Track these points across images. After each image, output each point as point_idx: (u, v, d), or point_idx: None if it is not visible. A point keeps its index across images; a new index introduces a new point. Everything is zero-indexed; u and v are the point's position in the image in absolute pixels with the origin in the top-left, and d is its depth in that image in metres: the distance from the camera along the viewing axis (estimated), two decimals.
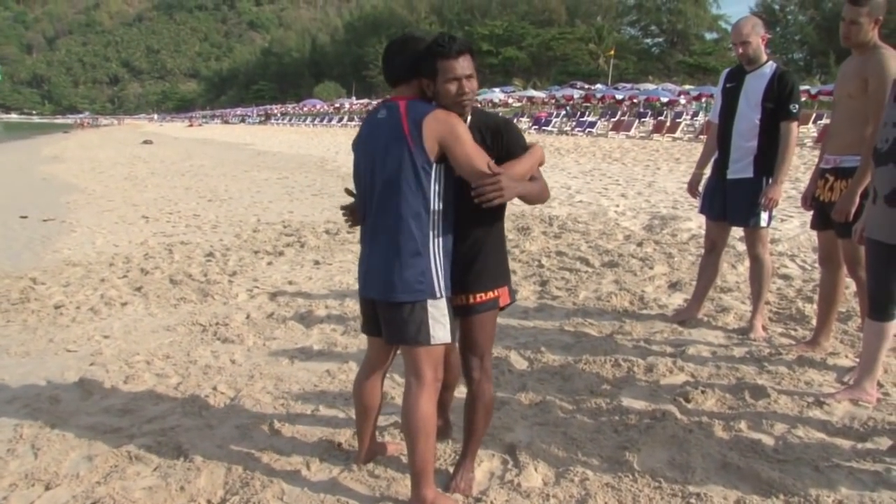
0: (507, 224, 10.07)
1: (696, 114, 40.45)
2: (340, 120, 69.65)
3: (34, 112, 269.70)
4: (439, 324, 3.00)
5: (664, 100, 43.67)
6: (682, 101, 43.64)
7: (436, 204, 2.94)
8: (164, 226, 11.44)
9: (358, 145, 3.15)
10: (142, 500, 3.26)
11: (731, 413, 4.00)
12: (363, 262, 3.14)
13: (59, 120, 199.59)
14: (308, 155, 27.58)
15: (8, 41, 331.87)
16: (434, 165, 2.90)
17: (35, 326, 6.18)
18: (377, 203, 3.01)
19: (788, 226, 9.51)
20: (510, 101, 59.34)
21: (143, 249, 9.45)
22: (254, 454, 3.65)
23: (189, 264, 8.36)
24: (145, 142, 43.81)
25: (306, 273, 7.71)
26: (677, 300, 6.27)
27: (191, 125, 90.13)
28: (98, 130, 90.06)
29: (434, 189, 2.92)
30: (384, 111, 3.01)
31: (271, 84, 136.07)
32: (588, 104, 48.65)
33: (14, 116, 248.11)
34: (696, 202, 5.88)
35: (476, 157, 2.87)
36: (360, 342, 5.37)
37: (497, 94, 61.73)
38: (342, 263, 8.08)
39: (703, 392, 4.20)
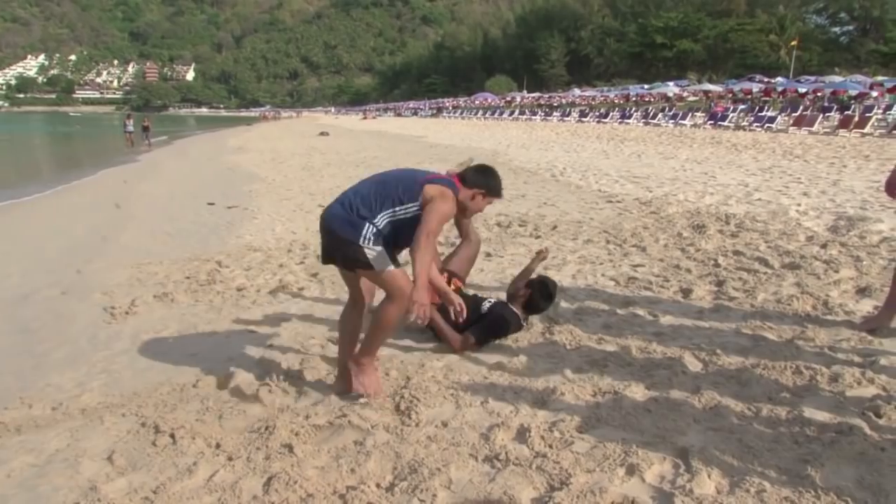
0: (682, 221, 9.78)
1: (889, 107, 37.75)
2: (512, 113, 69.87)
3: (221, 106, 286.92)
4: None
5: (853, 93, 41.04)
6: (874, 93, 40.83)
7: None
8: None
9: None
10: (314, 479, 3.37)
11: None
12: None
13: (244, 113, 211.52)
14: (480, 148, 27.81)
15: (202, 41, 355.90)
16: None
17: (220, 307, 6.56)
18: None
19: None
20: (685, 94, 57.59)
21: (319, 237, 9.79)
22: (422, 441, 3.71)
23: None
24: (322, 133, 45.58)
25: (478, 265, 7.72)
26: (866, 307, 5.86)
27: (365, 118, 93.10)
28: (278, 123, 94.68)
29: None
30: None
31: (443, 78, 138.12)
32: (767, 98, 46.50)
33: (204, 111, 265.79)
34: (892, 203, 5.48)
35: None
36: (530, 336, 5.35)
37: (671, 88, 60.15)
38: (513, 256, 8.07)
39: None
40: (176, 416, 4.14)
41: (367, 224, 4.10)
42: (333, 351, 5.16)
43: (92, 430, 4.06)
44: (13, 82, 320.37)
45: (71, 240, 10.91)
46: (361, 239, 4.08)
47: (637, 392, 4.24)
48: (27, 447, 3.90)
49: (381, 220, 4.12)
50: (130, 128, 38.10)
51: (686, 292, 6.41)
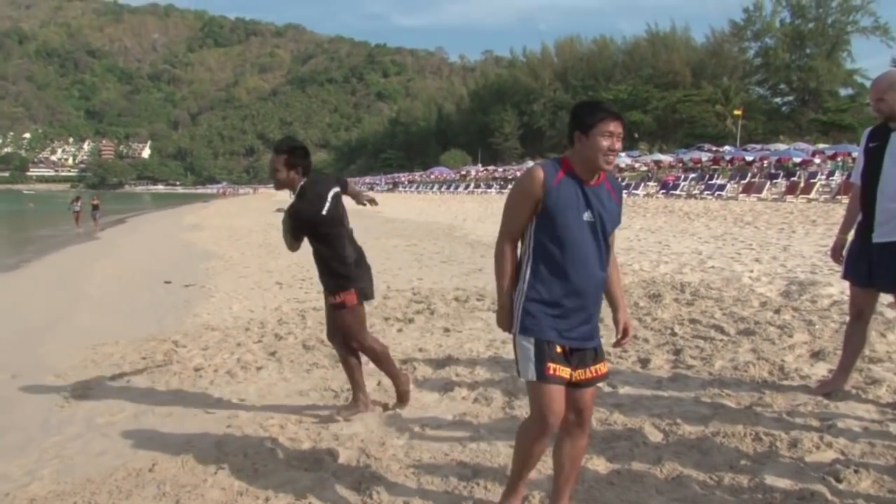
0: (638, 291, 9.87)
1: (831, 173, 38.95)
2: (467, 187, 70.62)
3: (178, 183, 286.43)
4: (522, 360, 3.28)
5: (797, 160, 42.33)
6: (817, 160, 42.15)
7: (527, 250, 3.32)
8: (297, 292, 11.76)
9: None
10: None
11: (890, 497, 3.70)
12: None
13: (201, 190, 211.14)
14: (436, 222, 28.01)
15: (158, 119, 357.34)
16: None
17: (177, 388, 6.44)
18: None
19: None
20: (636, 165, 58.76)
21: (277, 315, 9.73)
22: None
23: (321, 330, 8.48)
24: (278, 210, 44.99)
25: (436, 340, 7.74)
26: (821, 371, 5.94)
27: None
28: (236, 199, 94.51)
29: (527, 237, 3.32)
30: None
31: (399, 152, 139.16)
32: (717, 166, 47.68)
33: (160, 188, 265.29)
34: (839, 267, 5.62)
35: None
36: (491, 411, 5.33)
37: (623, 159, 61.21)
38: (472, 331, 8.07)
39: (856, 472, 3.91)
40: (131, 502, 4.04)
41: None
42: (292, 431, 5.09)
43: None
44: None
45: (23, 321, 10.69)
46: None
47: (599, 465, 4.23)
48: None
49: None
50: (78, 207, 38.26)
51: (644, 362, 6.45)
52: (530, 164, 74.61)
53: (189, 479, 4.35)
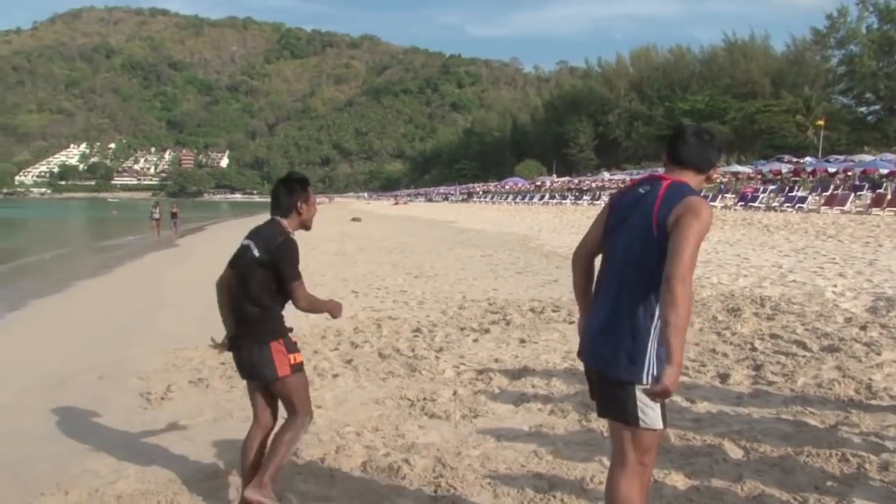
0: (716, 304, 9.69)
1: None
2: (542, 198, 70.40)
3: (255, 192, 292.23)
4: (646, 408, 2.87)
5: (884, 171, 40.93)
6: None
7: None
8: (372, 301, 11.86)
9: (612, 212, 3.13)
10: None
11: None
12: (590, 325, 3.07)
13: None
14: (510, 233, 27.95)
15: (236, 129, 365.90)
16: None
17: None
18: (618, 273, 2.96)
19: None
20: (714, 176, 57.74)
21: (353, 323, 9.81)
22: None
23: (397, 339, 8.60)
24: (354, 219, 45.98)
25: (512, 351, 7.72)
26: None
27: (396, 203, 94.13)
28: None
29: None
30: (647, 186, 3.02)
31: (473, 163, 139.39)
32: (797, 178, 46.48)
33: (238, 196, 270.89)
34: None
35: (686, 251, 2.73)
36: (567, 423, 5.30)
37: None
38: (548, 342, 8.03)
39: None
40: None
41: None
42: (368, 438, 5.14)
43: None
44: (56, 170, 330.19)
45: (108, 325, 11.03)
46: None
47: (678, 480, 4.16)
48: None
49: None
50: (157, 215, 38.01)
51: (723, 377, 6.33)
52: (606, 175, 74.15)
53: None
